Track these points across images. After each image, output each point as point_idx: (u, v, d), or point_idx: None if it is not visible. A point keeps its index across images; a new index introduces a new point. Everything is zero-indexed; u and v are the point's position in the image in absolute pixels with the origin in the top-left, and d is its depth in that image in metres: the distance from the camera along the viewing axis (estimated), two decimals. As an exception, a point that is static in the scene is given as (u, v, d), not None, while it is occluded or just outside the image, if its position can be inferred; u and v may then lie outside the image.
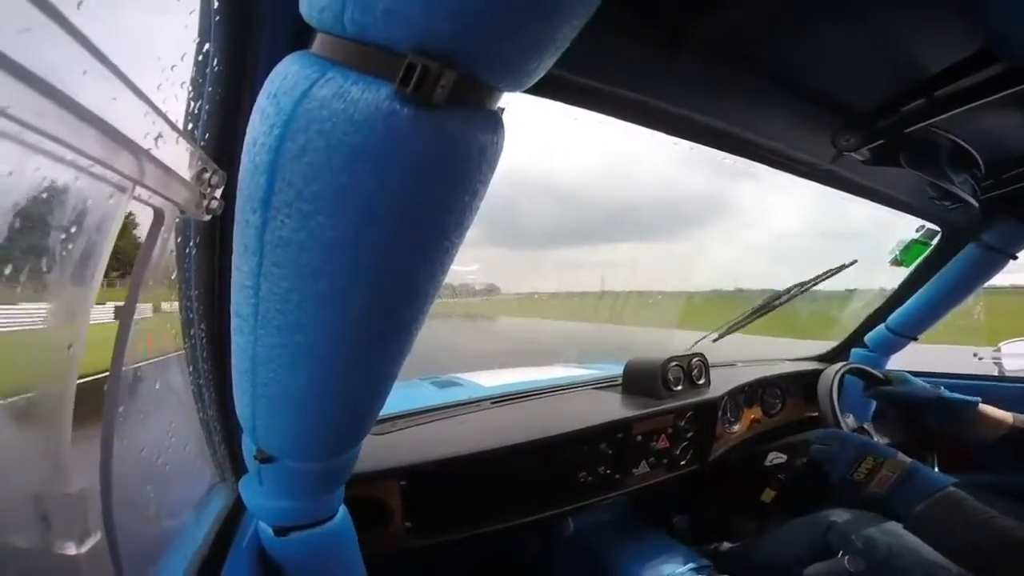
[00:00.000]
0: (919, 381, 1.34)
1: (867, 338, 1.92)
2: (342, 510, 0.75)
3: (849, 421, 1.42)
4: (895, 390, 1.34)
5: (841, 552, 0.94)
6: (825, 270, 1.81)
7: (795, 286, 1.85)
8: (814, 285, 1.82)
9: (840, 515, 1.13)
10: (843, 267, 1.77)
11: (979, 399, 1.22)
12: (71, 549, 0.39)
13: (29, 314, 0.38)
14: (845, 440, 1.16)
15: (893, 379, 1.39)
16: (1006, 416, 1.19)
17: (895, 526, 1.03)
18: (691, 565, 1.24)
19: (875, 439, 1.35)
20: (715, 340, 1.96)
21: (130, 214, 0.40)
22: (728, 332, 1.96)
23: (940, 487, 0.97)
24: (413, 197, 0.34)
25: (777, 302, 1.87)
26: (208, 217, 0.52)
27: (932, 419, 1.27)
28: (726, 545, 1.44)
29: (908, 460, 1.05)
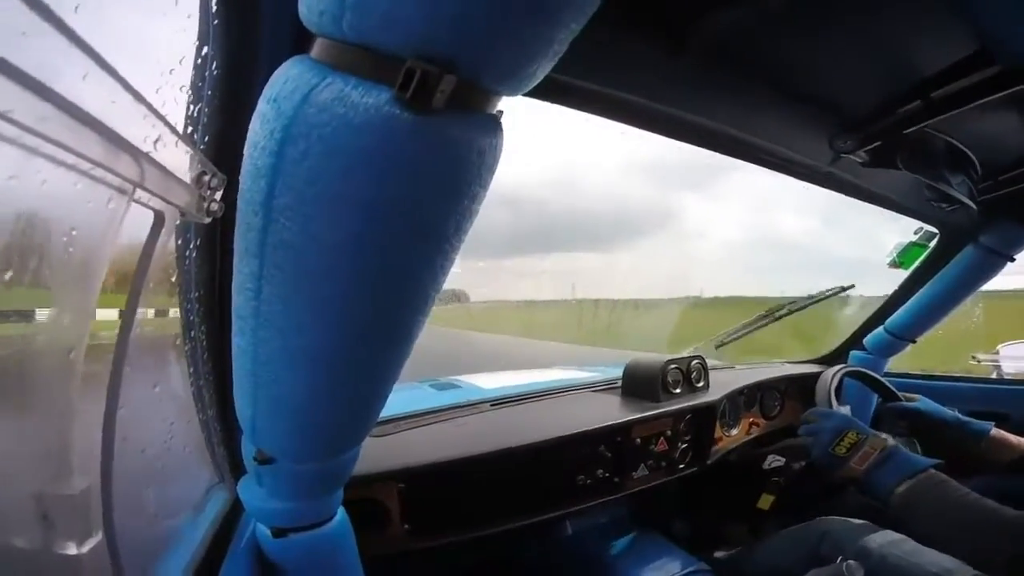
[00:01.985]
0: (934, 403, 1.36)
1: (865, 341, 1.92)
2: (341, 512, 0.75)
3: None
4: (912, 408, 1.36)
5: (840, 558, 0.94)
6: (820, 292, 1.93)
7: (787, 303, 1.95)
8: (810, 304, 1.94)
9: (835, 524, 1.13)
10: (842, 289, 1.88)
11: (993, 424, 1.25)
12: (72, 549, 0.39)
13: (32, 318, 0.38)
14: (829, 416, 1.18)
15: (909, 398, 1.42)
16: (1019, 441, 1.22)
17: (890, 535, 1.03)
18: (689, 569, 1.24)
19: None
20: (718, 347, 2.01)
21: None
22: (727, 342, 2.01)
23: (922, 467, 0.97)
24: (413, 201, 0.35)
25: (768, 319, 1.96)
26: (208, 220, 0.52)
27: (946, 440, 1.28)
28: (723, 550, 1.44)
29: (890, 440, 1.05)
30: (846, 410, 1.45)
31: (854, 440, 1.07)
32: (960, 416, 1.29)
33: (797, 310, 1.95)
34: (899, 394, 1.50)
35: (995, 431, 1.23)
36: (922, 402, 1.39)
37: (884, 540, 1.01)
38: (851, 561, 0.89)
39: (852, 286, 1.93)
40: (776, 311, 1.96)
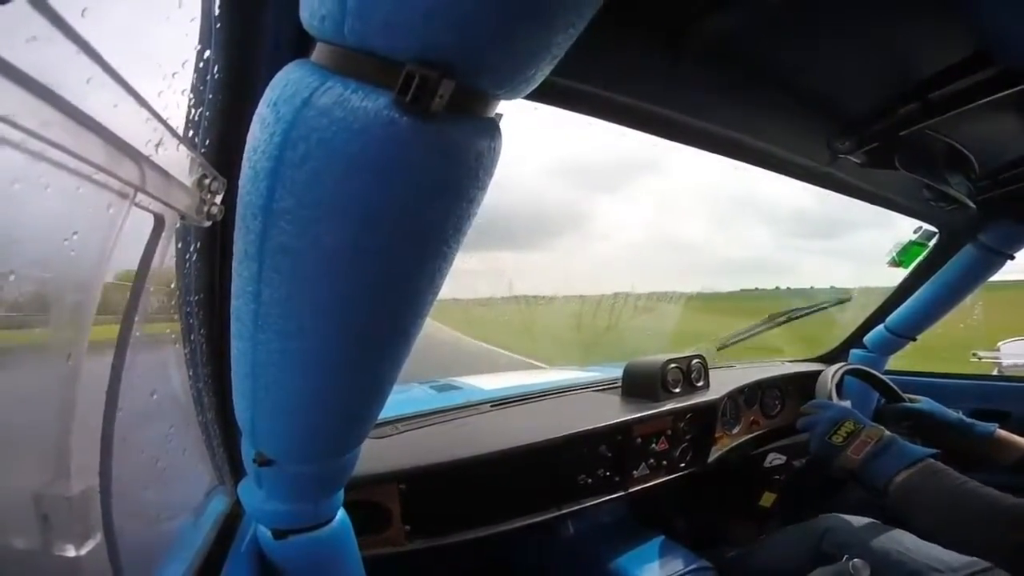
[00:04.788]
0: (937, 404, 1.36)
1: (866, 339, 1.92)
2: (341, 513, 0.75)
3: None
4: (916, 408, 1.36)
5: (846, 556, 0.94)
6: (820, 303, 2.04)
7: (788, 311, 2.01)
8: (813, 311, 2.03)
9: (837, 521, 1.13)
10: (841, 301, 2.00)
11: (996, 425, 1.24)
12: (71, 551, 0.39)
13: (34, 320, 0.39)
14: (826, 407, 1.18)
15: (913, 399, 1.42)
16: (1022, 441, 1.21)
17: (893, 531, 1.03)
18: (692, 567, 1.24)
19: None
20: (719, 349, 2.03)
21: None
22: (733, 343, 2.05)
23: (920, 457, 0.97)
24: (412, 205, 0.35)
25: (770, 324, 2.03)
26: (208, 223, 0.52)
27: (949, 441, 1.28)
28: (725, 549, 1.44)
29: (886, 431, 1.05)
30: (846, 404, 1.45)
31: (851, 429, 1.07)
32: (964, 417, 1.29)
33: (797, 318, 2.02)
34: (902, 394, 1.50)
35: (999, 432, 1.23)
36: (925, 403, 1.38)
37: (887, 536, 1.01)
38: (856, 560, 0.89)
39: (850, 298, 2.06)
40: (777, 317, 2.03)
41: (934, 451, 0.99)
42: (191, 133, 0.53)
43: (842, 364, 1.55)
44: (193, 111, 0.52)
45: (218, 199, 0.51)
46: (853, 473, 1.06)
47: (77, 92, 0.27)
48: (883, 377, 1.57)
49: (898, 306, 1.81)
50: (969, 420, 1.28)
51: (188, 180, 0.46)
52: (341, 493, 0.74)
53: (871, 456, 1.02)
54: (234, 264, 0.41)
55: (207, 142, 0.55)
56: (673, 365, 1.51)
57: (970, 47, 0.76)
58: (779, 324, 2.01)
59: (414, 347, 0.48)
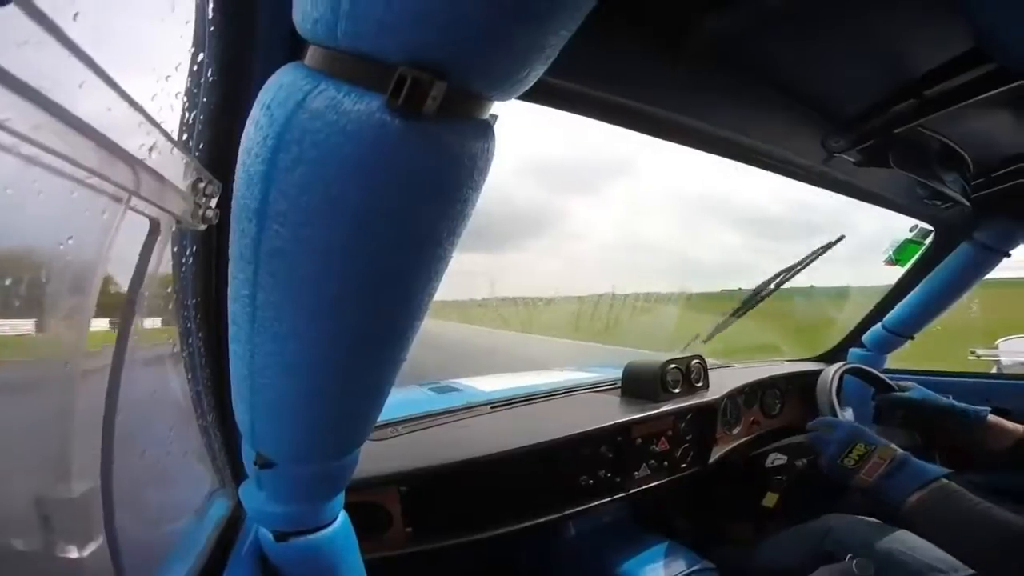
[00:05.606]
0: (928, 391, 1.35)
1: (864, 338, 1.92)
2: (342, 515, 0.75)
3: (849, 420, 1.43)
4: (907, 397, 1.36)
5: (849, 556, 0.94)
6: (811, 252, 1.81)
7: (781, 272, 1.86)
8: (803, 268, 1.84)
9: (840, 521, 1.12)
10: (830, 245, 1.77)
11: (989, 409, 1.24)
12: (74, 553, 0.39)
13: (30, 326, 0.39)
14: (837, 426, 1.17)
15: (903, 387, 1.41)
16: (1015, 427, 1.21)
17: (895, 531, 1.02)
18: (694, 568, 1.24)
19: None
20: (705, 341, 2.01)
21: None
22: (719, 331, 2.01)
23: (933, 477, 0.97)
24: (405, 207, 0.35)
25: (766, 292, 1.91)
26: (203, 227, 0.52)
27: (942, 428, 1.28)
28: (727, 549, 1.43)
29: (899, 450, 1.05)
30: (848, 413, 1.45)
31: (863, 452, 1.07)
32: (955, 403, 1.29)
33: (762, 299, 1.94)
34: (893, 384, 1.50)
35: (992, 417, 1.23)
36: (916, 391, 1.38)
37: (890, 536, 1.00)
38: (860, 559, 0.89)
39: (842, 237, 1.80)
40: (750, 301, 1.96)
41: (947, 471, 0.98)
42: (185, 136, 0.53)
43: (841, 364, 1.55)
44: (187, 114, 0.52)
45: (213, 202, 0.51)
46: (867, 492, 1.05)
47: (70, 96, 0.27)
48: (879, 374, 1.57)
49: (895, 305, 1.81)
50: (961, 405, 1.27)
51: (183, 184, 0.46)
52: (342, 495, 0.74)
53: (884, 477, 1.02)
54: (230, 267, 0.41)
55: (201, 145, 0.55)
56: (673, 365, 1.51)
57: (965, 44, 0.76)
58: (763, 299, 1.93)
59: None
